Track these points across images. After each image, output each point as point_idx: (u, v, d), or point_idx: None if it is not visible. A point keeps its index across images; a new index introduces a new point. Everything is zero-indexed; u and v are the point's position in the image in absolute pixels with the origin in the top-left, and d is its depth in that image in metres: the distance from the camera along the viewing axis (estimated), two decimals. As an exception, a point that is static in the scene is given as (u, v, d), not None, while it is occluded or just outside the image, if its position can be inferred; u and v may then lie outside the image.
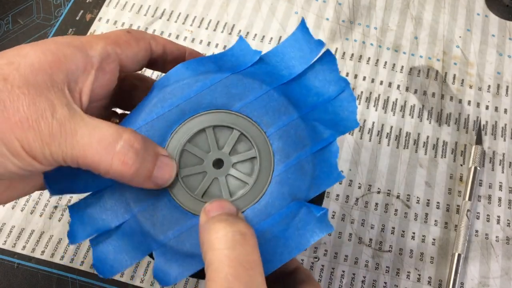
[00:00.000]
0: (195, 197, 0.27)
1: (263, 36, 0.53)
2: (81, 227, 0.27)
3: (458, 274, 0.41)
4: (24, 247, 0.43)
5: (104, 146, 0.23)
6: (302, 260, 0.43)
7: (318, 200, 0.28)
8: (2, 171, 0.23)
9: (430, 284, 0.42)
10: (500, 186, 0.46)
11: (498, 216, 0.44)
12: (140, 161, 0.24)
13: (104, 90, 0.27)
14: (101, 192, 0.27)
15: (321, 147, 0.27)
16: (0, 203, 0.27)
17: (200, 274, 0.26)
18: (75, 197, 0.45)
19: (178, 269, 0.25)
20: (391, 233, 0.43)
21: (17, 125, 0.22)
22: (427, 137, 0.48)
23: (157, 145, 0.26)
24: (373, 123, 0.48)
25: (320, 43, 0.29)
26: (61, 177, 0.27)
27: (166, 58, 0.30)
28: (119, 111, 0.34)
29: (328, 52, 0.29)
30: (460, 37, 0.53)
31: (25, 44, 0.25)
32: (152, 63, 0.30)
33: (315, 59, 0.29)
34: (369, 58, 0.52)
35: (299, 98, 0.29)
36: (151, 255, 0.26)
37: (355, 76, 0.51)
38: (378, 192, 0.45)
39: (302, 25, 0.29)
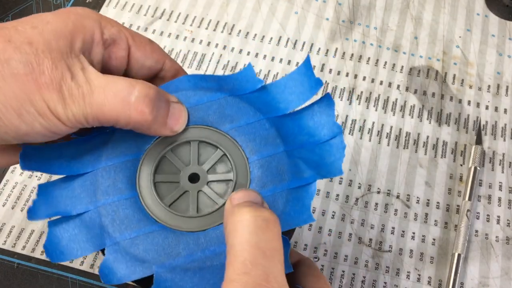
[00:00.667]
0: (162, 205, 0.27)
1: (263, 36, 0.53)
2: (44, 206, 0.27)
3: (458, 274, 0.41)
4: (24, 247, 0.43)
5: (120, 99, 0.24)
6: (302, 260, 0.43)
7: (285, 235, 0.27)
8: (29, 130, 0.24)
9: (430, 284, 0.42)
10: (500, 186, 0.46)
11: (498, 216, 0.44)
12: (156, 109, 0.25)
13: (113, 73, 0.28)
14: (73, 178, 0.27)
15: (299, 186, 0.27)
16: None
17: (144, 283, 0.26)
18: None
19: (125, 270, 0.25)
20: (391, 233, 0.43)
21: (44, 86, 0.23)
22: (427, 137, 0.48)
23: (167, 93, 0.27)
24: (373, 123, 0.48)
25: (319, 82, 0.29)
26: (37, 154, 0.27)
27: None
28: None
29: (328, 96, 0.29)
30: (460, 37, 0.53)
31: (47, 12, 0.26)
32: (160, 80, 0.31)
33: (315, 100, 0.30)
34: (369, 58, 0.52)
35: (289, 134, 0.29)
36: (102, 251, 0.26)
37: (355, 76, 0.51)
38: (378, 192, 0.45)
39: (307, 61, 0.29)
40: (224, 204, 0.27)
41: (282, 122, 0.29)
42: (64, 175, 0.28)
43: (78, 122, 0.24)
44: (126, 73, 0.30)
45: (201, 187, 0.27)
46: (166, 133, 0.27)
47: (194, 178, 0.28)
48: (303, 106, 0.29)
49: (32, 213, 0.27)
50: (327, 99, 0.29)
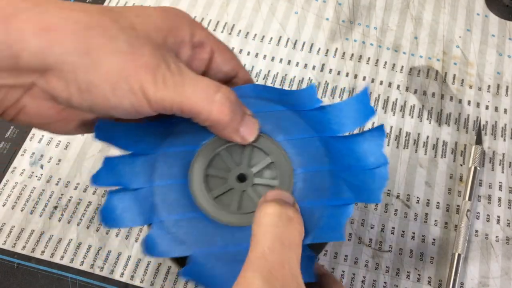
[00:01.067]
0: (208, 196, 0.29)
1: (263, 36, 0.53)
2: (106, 176, 0.29)
3: (458, 274, 0.41)
4: (24, 247, 0.43)
5: (206, 95, 0.26)
6: (302, 260, 0.43)
7: (317, 248, 0.28)
8: (117, 105, 0.26)
9: (430, 284, 0.42)
10: (500, 186, 0.46)
11: (498, 216, 0.44)
12: (233, 113, 0.27)
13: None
14: (136, 157, 0.30)
15: (337, 204, 0.28)
16: (60, 133, 0.30)
17: (181, 262, 0.27)
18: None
19: (165, 247, 0.27)
20: (391, 233, 0.43)
21: (141, 67, 0.25)
22: (427, 137, 0.48)
23: (245, 106, 0.29)
24: (373, 123, 0.48)
25: (373, 111, 0.31)
26: (109, 129, 0.30)
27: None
28: None
29: (381, 127, 0.31)
30: (460, 37, 0.53)
31: (149, 6, 0.28)
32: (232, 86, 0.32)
33: (367, 128, 0.31)
34: (369, 58, 0.52)
35: (337, 155, 0.30)
36: (148, 226, 0.28)
37: (355, 76, 0.51)
38: (378, 192, 0.45)
39: (365, 91, 0.31)
40: None
41: (332, 142, 0.30)
42: (129, 152, 0.30)
43: (162, 107, 0.26)
44: (204, 75, 0.31)
45: (246, 188, 0.29)
46: (238, 140, 0.29)
47: (241, 178, 0.30)
48: (354, 131, 0.31)
49: (96, 179, 0.29)
50: (379, 130, 0.31)
